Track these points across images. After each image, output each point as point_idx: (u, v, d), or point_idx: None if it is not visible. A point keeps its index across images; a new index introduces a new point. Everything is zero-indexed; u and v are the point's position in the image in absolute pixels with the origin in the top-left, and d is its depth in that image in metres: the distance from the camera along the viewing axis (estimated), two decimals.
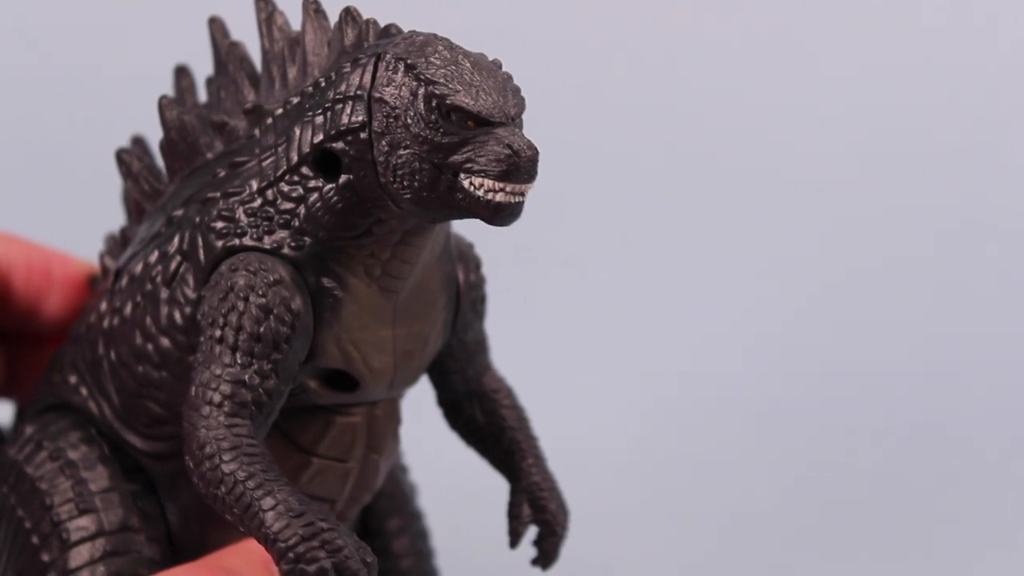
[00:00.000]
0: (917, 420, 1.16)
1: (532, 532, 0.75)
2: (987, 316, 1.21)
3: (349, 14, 0.67)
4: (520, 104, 0.64)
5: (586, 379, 1.17)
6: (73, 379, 0.74)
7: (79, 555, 0.70)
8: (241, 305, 0.65)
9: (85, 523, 0.71)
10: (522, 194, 0.62)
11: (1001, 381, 1.18)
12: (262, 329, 0.65)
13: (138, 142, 0.76)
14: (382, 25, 0.67)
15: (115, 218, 0.77)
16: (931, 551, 1.04)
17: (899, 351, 1.20)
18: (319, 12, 0.69)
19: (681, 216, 1.23)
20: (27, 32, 1.18)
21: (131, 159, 0.74)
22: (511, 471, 0.75)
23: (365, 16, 0.67)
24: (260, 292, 0.65)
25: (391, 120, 0.63)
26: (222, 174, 0.69)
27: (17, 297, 0.80)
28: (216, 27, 0.73)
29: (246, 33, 0.73)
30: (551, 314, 1.20)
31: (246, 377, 0.65)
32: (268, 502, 0.62)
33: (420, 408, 0.77)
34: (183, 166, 0.71)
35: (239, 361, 0.65)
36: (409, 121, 0.63)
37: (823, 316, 1.22)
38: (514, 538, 0.74)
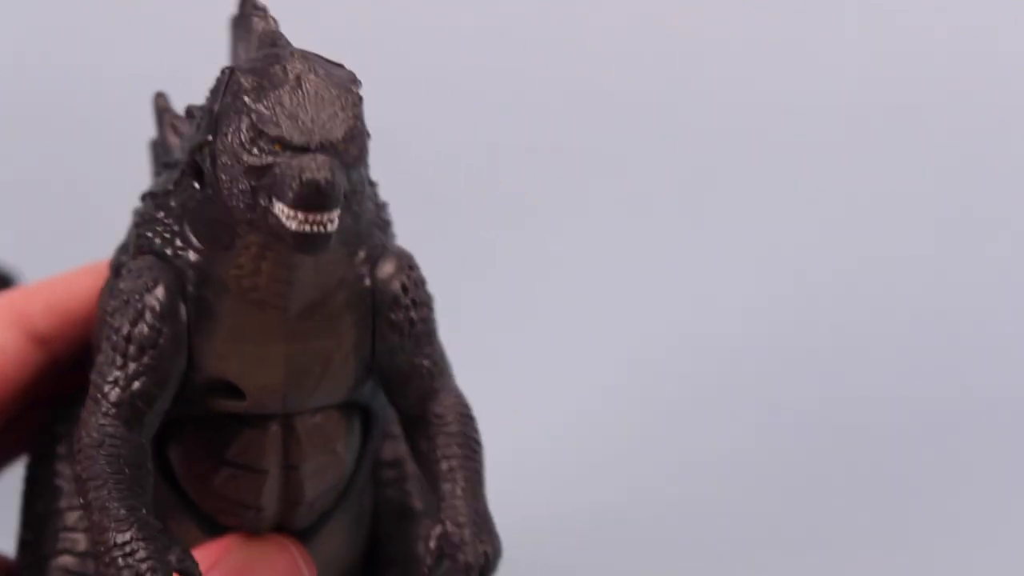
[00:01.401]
0: (917, 393, 1.13)
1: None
2: (995, 286, 1.17)
3: (256, 11, 0.68)
4: (342, 129, 0.62)
5: (564, 358, 1.15)
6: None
7: (50, 543, 0.75)
8: (123, 308, 0.67)
9: (53, 515, 0.75)
10: (321, 223, 0.61)
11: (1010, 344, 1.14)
12: (134, 332, 0.67)
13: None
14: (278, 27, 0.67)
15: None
16: (934, 525, 1.01)
17: (898, 327, 1.17)
18: (257, 12, 0.69)
19: (671, 190, 1.20)
20: (27, 31, 1.21)
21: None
22: (437, 501, 0.71)
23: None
24: (137, 296, 0.67)
25: (224, 138, 0.64)
26: (160, 174, 0.71)
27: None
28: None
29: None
30: (527, 290, 1.17)
31: (118, 377, 0.67)
32: (100, 503, 0.65)
33: None
34: (159, 168, 0.74)
35: (116, 362, 0.67)
36: (231, 140, 0.63)
37: (818, 298, 1.19)
38: (425, 571, 0.70)
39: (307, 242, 0.61)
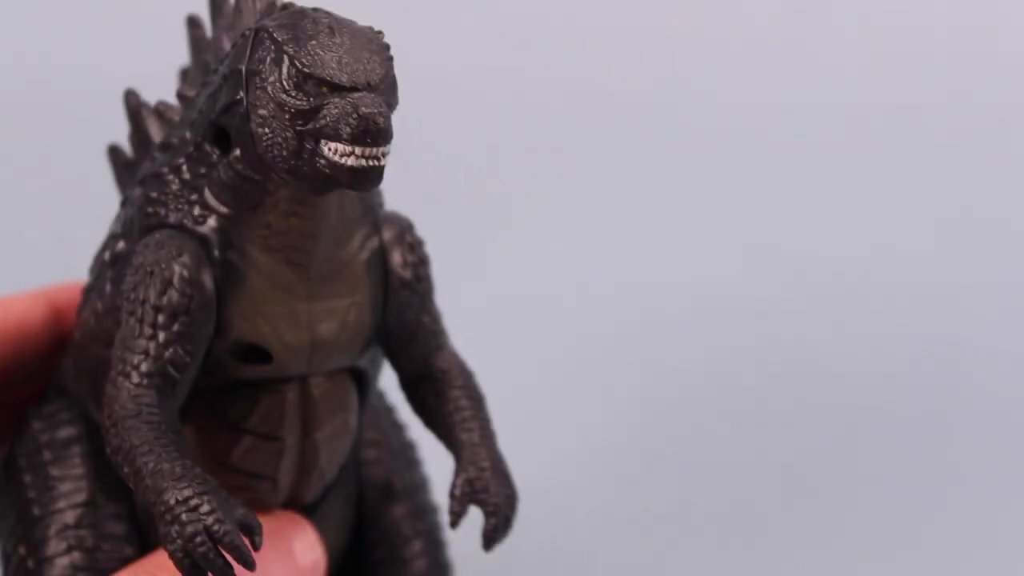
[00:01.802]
0: (918, 392, 1.15)
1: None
2: (995, 285, 1.19)
3: None
4: (380, 71, 0.65)
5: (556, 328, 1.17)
6: (66, 362, 0.78)
7: (46, 529, 0.74)
8: (147, 279, 0.68)
9: (53, 499, 0.74)
10: (376, 158, 0.63)
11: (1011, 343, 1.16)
12: (164, 301, 0.68)
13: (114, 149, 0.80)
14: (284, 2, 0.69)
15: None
16: (942, 521, 1.03)
17: (899, 326, 1.19)
18: None
19: (669, 189, 1.21)
20: (28, 31, 1.21)
21: (117, 155, 0.78)
22: (455, 451, 0.74)
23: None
24: (163, 266, 0.68)
25: (260, 91, 0.65)
26: (156, 156, 0.72)
27: None
28: (193, 23, 0.77)
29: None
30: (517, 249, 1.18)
31: (151, 347, 0.67)
32: (152, 467, 0.65)
33: None
34: (143, 155, 0.75)
35: (145, 333, 0.68)
36: (272, 91, 0.65)
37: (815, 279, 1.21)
38: (453, 517, 0.73)
39: (363, 177, 0.63)
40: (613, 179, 1.21)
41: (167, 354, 0.68)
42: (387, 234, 0.73)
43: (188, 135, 0.70)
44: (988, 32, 1.23)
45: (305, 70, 0.64)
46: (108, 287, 0.73)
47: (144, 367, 0.68)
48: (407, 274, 0.73)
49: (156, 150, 0.73)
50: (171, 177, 0.70)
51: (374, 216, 0.72)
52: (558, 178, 1.18)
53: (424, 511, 0.83)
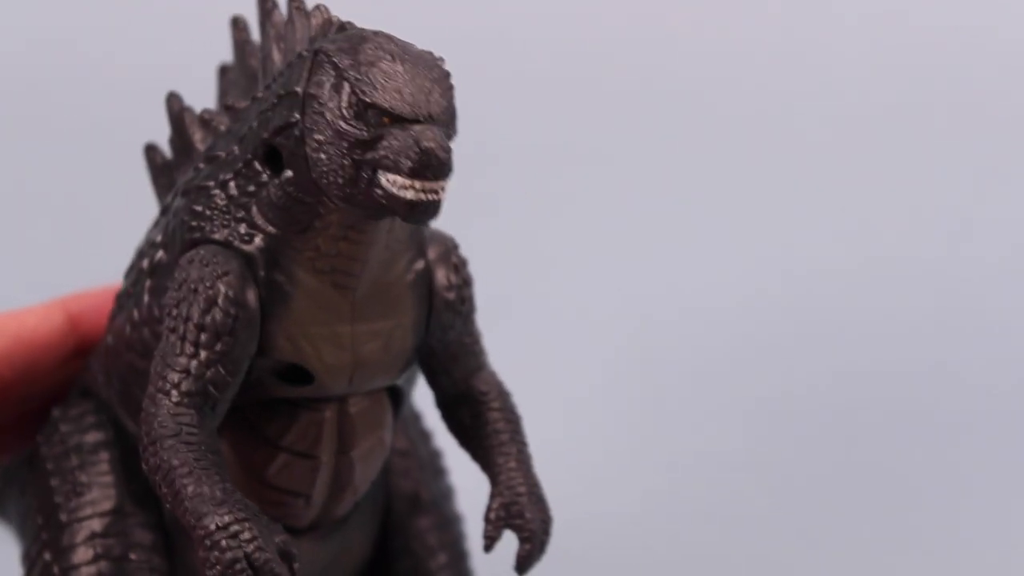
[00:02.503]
0: (919, 391, 1.15)
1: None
2: (996, 284, 1.20)
3: (299, 9, 0.69)
4: (443, 102, 0.64)
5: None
6: (95, 365, 0.77)
7: (73, 536, 0.73)
8: (191, 296, 0.67)
9: (80, 505, 0.74)
10: (435, 191, 0.62)
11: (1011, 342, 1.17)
12: (208, 320, 0.67)
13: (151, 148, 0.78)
14: (341, 21, 0.68)
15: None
16: (946, 520, 1.04)
17: (899, 327, 1.19)
18: (300, 10, 0.70)
19: (668, 189, 1.21)
20: (31, 30, 1.20)
21: (155, 154, 0.77)
22: (490, 473, 0.74)
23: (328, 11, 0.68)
24: (208, 284, 0.67)
25: (318, 116, 0.64)
26: (201, 167, 0.71)
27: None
28: (238, 25, 0.76)
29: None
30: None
31: (192, 366, 0.67)
32: (192, 490, 0.64)
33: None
34: (183, 160, 0.74)
35: (187, 351, 0.67)
36: (331, 117, 0.64)
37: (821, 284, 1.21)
38: (487, 542, 0.73)
39: (421, 210, 0.63)
40: (612, 177, 1.21)
41: (208, 373, 0.67)
42: (432, 253, 0.72)
43: (237, 150, 0.69)
44: (988, 31, 1.24)
45: (366, 99, 0.63)
46: (146, 297, 0.72)
47: (184, 386, 0.67)
48: (451, 296, 0.72)
49: (201, 160, 0.71)
50: (218, 192, 0.69)
51: (420, 236, 0.71)
52: (557, 177, 1.19)
53: (450, 522, 0.83)
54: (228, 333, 0.67)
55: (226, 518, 0.64)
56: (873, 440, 1.13)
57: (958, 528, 1.04)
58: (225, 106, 0.72)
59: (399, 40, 0.66)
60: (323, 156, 0.64)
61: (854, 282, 1.20)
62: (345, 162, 0.64)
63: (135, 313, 0.72)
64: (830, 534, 1.03)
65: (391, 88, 0.63)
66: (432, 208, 0.63)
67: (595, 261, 1.19)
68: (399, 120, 0.63)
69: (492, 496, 0.73)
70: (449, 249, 0.73)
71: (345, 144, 0.64)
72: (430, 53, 0.66)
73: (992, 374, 1.16)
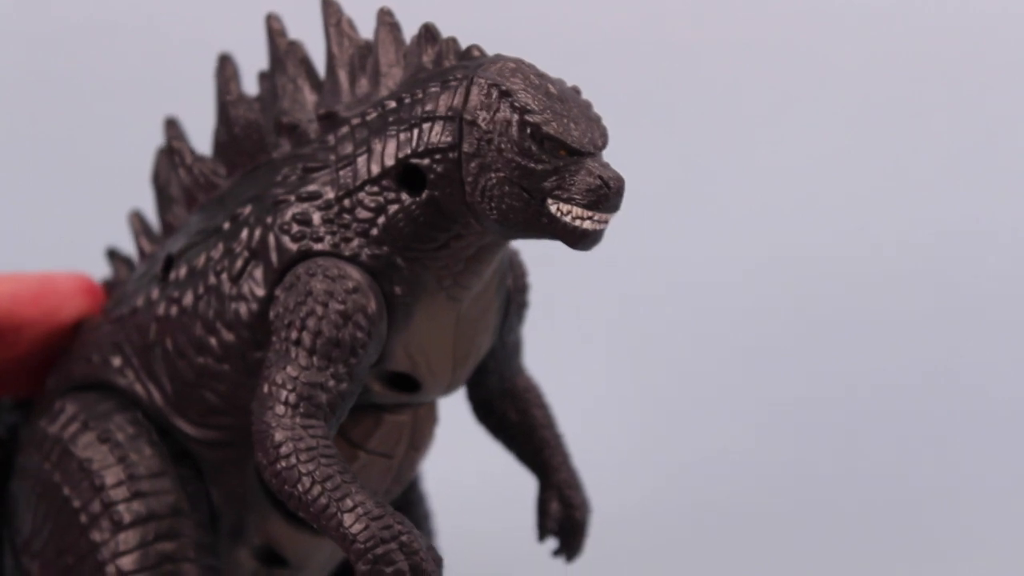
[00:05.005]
0: (921, 390, 1.17)
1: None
2: (995, 284, 1.22)
3: (429, 31, 0.70)
4: (605, 135, 0.67)
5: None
6: (117, 361, 0.75)
7: (131, 537, 0.72)
8: (320, 310, 0.67)
9: (137, 506, 0.72)
10: (606, 222, 0.65)
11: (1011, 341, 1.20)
12: (340, 335, 0.67)
13: (172, 124, 0.77)
14: (463, 46, 0.69)
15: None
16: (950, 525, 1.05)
17: (901, 325, 1.21)
18: (394, 25, 0.71)
19: (667, 188, 1.22)
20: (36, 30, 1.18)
21: (182, 148, 0.76)
22: (540, 468, 0.79)
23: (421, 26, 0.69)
24: (339, 299, 0.67)
25: (483, 143, 0.66)
26: (293, 178, 0.70)
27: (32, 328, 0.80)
28: (274, 24, 0.75)
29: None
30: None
31: (323, 380, 0.67)
32: (347, 504, 0.65)
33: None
34: (246, 163, 0.73)
35: (316, 364, 0.67)
36: (503, 146, 0.65)
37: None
38: (543, 533, 0.79)
39: (592, 240, 0.66)
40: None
41: (341, 387, 0.68)
42: (507, 262, 0.74)
43: (353, 167, 0.69)
44: (989, 31, 1.25)
45: (545, 131, 0.65)
46: (232, 304, 0.70)
47: (315, 399, 0.67)
48: (523, 298, 0.75)
49: (289, 170, 0.71)
50: (330, 205, 0.69)
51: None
52: None
53: (420, 499, 0.85)
54: (362, 347, 0.68)
55: (392, 530, 0.64)
56: (879, 439, 1.13)
57: (961, 528, 1.05)
58: (318, 116, 0.71)
59: (539, 68, 0.68)
60: (487, 182, 0.66)
61: (860, 282, 1.20)
62: (514, 190, 0.65)
63: (212, 317, 0.71)
64: (834, 533, 1.04)
65: (565, 121, 0.65)
66: (600, 237, 0.66)
67: (596, 258, 1.18)
68: (576, 153, 0.65)
69: (544, 489, 0.79)
70: (515, 256, 0.76)
71: (517, 173, 0.65)
72: (563, 81, 0.68)
73: (1003, 374, 1.18)
